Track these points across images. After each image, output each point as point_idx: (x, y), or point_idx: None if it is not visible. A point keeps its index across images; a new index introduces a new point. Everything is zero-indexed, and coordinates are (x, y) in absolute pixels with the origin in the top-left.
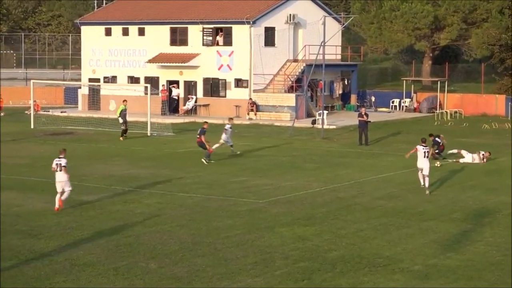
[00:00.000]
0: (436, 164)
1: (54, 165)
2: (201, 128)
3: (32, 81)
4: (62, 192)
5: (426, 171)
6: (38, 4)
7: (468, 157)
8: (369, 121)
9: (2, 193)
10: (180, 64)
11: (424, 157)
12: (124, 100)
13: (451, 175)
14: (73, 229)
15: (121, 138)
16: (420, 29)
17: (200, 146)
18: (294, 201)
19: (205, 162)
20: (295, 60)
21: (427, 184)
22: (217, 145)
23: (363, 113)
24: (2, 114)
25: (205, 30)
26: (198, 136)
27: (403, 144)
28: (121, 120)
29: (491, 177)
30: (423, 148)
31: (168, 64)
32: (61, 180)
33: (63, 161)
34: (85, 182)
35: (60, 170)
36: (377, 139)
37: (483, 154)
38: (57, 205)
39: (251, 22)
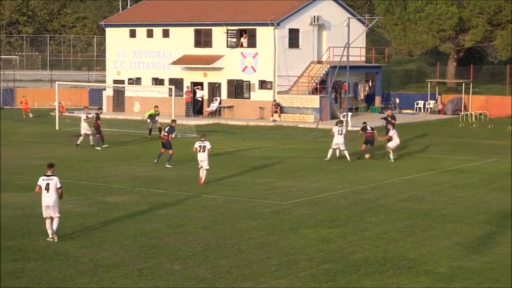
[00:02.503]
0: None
1: (197, 146)
2: (170, 125)
3: (57, 82)
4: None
5: (342, 146)
6: (63, 6)
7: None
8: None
9: (27, 194)
10: (204, 66)
11: (339, 134)
12: (156, 106)
13: (476, 177)
14: (97, 230)
15: (149, 136)
16: (444, 31)
17: (164, 145)
18: (318, 202)
19: (170, 166)
20: (319, 62)
21: (348, 157)
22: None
23: (388, 116)
24: (30, 115)
25: (229, 31)
26: (165, 134)
27: (427, 146)
28: (149, 120)
29: None
30: (338, 128)
31: (193, 65)
32: (203, 159)
33: (207, 143)
34: (109, 184)
35: (204, 151)
36: (401, 141)
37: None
38: (202, 181)
39: (275, 24)
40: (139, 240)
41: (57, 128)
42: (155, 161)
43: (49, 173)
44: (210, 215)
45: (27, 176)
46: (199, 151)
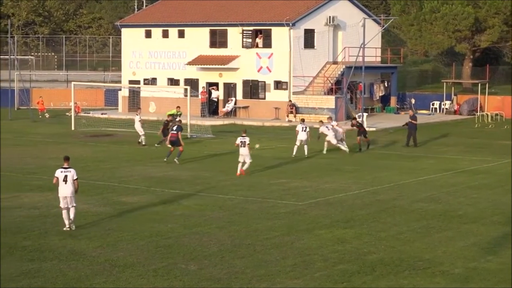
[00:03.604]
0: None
1: (238, 142)
2: (178, 125)
3: (73, 83)
4: (243, 163)
5: (305, 143)
6: (79, 6)
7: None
8: (406, 124)
9: (43, 194)
10: (219, 66)
11: (302, 131)
12: (178, 107)
13: (492, 177)
14: (113, 230)
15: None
16: (460, 31)
17: (173, 143)
18: (333, 203)
19: (177, 162)
20: (335, 62)
21: (306, 152)
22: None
23: (410, 116)
24: (46, 115)
25: (244, 32)
26: (174, 132)
27: (443, 147)
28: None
29: None
30: (302, 125)
31: (208, 66)
32: (244, 154)
33: (247, 139)
34: (124, 184)
35: (244, 146)
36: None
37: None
38: (238, 172)
39: (291, 24)
40: (154, 240)
41: (73, 128)
42: (165, 159)
43: (65, 166)
44: (226, 216)
45: (43, 176)
46: (241, 146)
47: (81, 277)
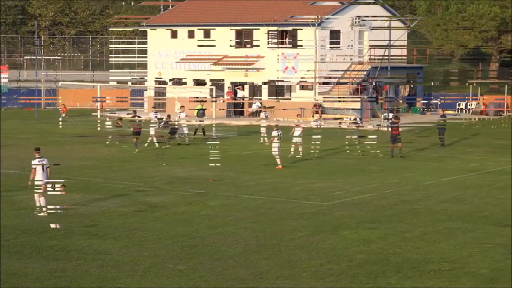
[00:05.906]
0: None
1: (275, 134)
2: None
3: (99, 84)
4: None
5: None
6: (105, 7)
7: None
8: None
9: (69, 194)
10: (245, 67)
11: (278, 138)
12: (202, 102)
13: None
14: (138, 230)
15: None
16: (487, 31)
17: (137, 134)
18: (358, 203)
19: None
20: (360, 63)
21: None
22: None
23: (441, 115)
24: (66, 116)
25: (270, 32)
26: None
27: (469, 147)
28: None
29: None
30: (277, 132)
31: (233, 66)
32: (278, 146)
33: (280, 132)
34: (150, 184)
35: (279, 139)
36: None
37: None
38: (280, 166)
39: (317, 25)
40: (179, 240)
41: (98, 128)
42: (136, 151)
43: (38, 156)
44: (251, 216)
45: (68, 176)
46: (278, 140)
47: (106, 277)
